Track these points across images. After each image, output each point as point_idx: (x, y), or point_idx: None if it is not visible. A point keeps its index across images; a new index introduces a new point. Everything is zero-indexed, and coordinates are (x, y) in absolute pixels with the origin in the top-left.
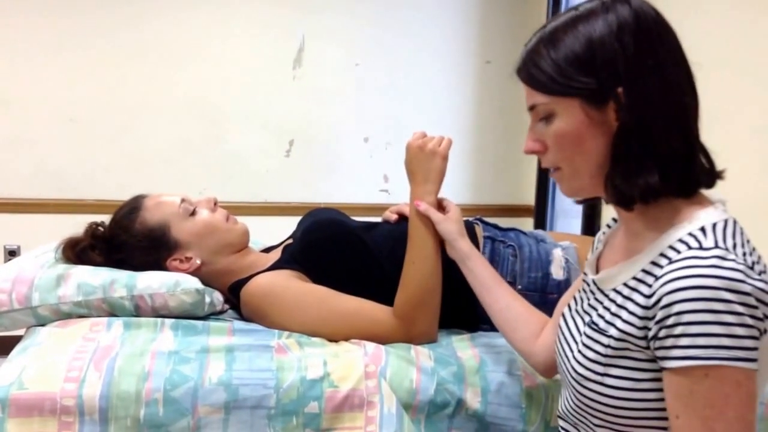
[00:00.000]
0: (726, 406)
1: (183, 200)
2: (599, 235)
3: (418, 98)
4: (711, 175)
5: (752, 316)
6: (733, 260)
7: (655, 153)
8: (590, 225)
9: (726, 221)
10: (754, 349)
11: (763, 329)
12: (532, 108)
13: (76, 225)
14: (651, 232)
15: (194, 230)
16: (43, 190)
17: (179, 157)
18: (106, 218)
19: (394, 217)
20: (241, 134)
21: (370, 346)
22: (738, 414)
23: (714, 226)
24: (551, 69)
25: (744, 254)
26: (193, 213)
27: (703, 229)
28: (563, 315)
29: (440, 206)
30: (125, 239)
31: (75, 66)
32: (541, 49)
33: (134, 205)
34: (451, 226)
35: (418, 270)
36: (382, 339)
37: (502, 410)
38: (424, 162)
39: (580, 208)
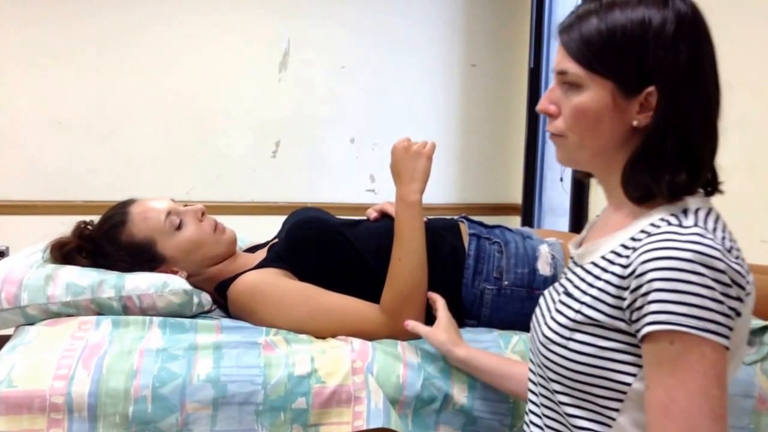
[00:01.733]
0: (688, 376)
1: (169, 213)
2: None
3: (404, 100)
4: (713, 186)
5: (724, 294)
6: (711, 239)
7: (688, 154)
8: (578, 223)
9: (709, 209)
10: (726, 326)
11: (737, 311)
12: (561, 72)
13: (64, 226)
14: (634, 211)
15: (180, 246)
16: (31, 191)
17: (167, 158)
18: (95, 218)
19: (374, 215)
20: (228, 135)
21: (357, 342)
22: (700, 386)
23: (697, 210)
24: (596, 43)
25: (723, 238)
26: (179, 226)
27: (685, 211)
28: (543, 295)
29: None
30: (111, 251)
31: (63, 69)
32: (592, 18)
33: (121, 217)
34: (439, 337)
35: (405, 266)
36: (369, 335)
37: (489, 405)
38: (410, 162)
39: (567, 206)
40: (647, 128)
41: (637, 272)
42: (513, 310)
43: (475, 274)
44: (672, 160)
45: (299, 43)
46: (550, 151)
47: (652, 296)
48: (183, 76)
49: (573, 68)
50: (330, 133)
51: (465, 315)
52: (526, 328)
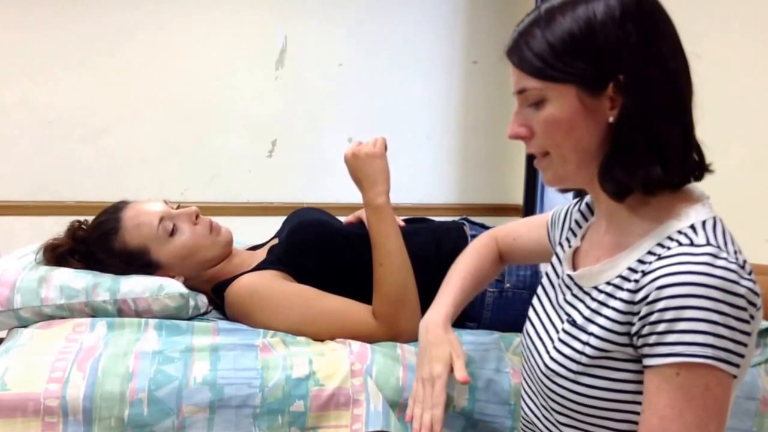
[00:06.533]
0: (688, 408)
1: (162, 218)
2: (562, 215)
3: (403, 98)
4: (701, 168)
5: (738, 318)
6: (725, 259)
7: (657, 143)
8: None
9: (715, 219)
10: (737, 354)
11: (749, 333)
12: (520, 92)
13: (56, 226)
14: (637, 228)
15: (175, 252)
16: (22, 192)
17: (160, 158)
18: (89, 218)
19: (350, 219)
20: (223, 135)
21: (356, 344)
22: (699, 419)
23: (704, 223)
24: (547, 53)
25: (735, 252)
26: (173, 232)
27: (693, 227)
28: (533, 306)
29: None
30: (104, 258)
31: (54, 68)
32: (535, 30)
33: (113, 224)
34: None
35: (387, 270)
36: (367, 338)
37: (490, 407)
38: (365, 167)
39: None
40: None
41: (650, 299)
42: (514, 312)
43: None
44: (641, 152)
45: (296, 41)
46: None
47: (663, 327)
48: (177, 74)
49: (531, 84)
50: (327, 133)
51: (465, 317)
52: None
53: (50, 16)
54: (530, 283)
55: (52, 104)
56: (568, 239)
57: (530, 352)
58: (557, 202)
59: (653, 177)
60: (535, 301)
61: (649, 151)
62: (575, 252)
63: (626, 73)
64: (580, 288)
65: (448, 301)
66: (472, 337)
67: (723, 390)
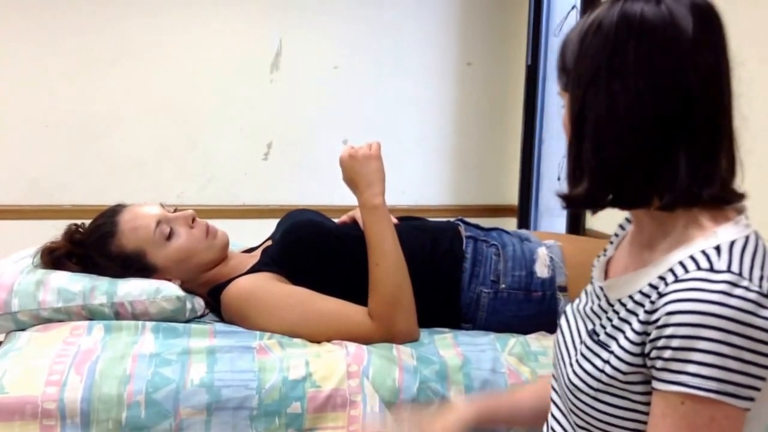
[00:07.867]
0: None
1: (159, 222)
2: (617, 231)
3: (398, 100)
4: (673, 190)
5: (754, 351)
6: (744, 288)
7: (582, 161)
8: (575, 224)
9: (747, 238)
10: (748, 387)
11: None
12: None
13: (53, 229)
14: (664, 242)
15: (171, 256)
16: (18, 196)
17: (156, 161)
18: (86, 222)
19: (344, 219)
20: (218, 138)
21: (352, 345)
22: None
23: (732, 244)
24: (560, 60)
25: (761, 278)
26: (170, 236)
27: (718, 248)
28: (565, 312)
29: None
30: (101, 261)
31: (49, 71)
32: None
33: (110, 228)
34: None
35: (383, 270)
36: (363, 339)
37: None
38: (360, 168)
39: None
40: None
41: (660, 323)
42: (510, 313)
43: (471, 277)
44: (571, 168)
45: (291, 44)
46: (546, 151)
47: (669, 353)
48: (173, 77)
49: (557, 86)
50: (322, 135)
51: (461, 319)
52: (522, 331)
53: (47, 20)
54: (526, 284)
55: (49, 108)
56: (605, 250)
57: (559, 362)
58: (552, 203)
59: (575, 195)
60: (567, 308)
61: (576, 169)
62: (609, 261)
63: (583, 88)
64: (607, 299)
65: (479, 402)
66: (467, 338)
67: (731, 423)
